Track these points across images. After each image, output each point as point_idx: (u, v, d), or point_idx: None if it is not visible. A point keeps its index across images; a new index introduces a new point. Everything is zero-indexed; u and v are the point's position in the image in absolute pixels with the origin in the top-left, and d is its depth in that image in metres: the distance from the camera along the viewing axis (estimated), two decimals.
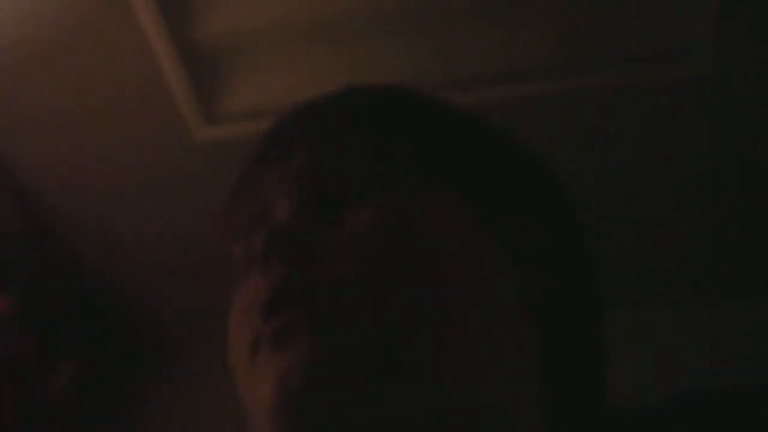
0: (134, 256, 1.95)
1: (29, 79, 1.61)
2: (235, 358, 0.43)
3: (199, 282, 1.81)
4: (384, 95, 0.48)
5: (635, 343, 1.83)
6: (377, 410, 0.38)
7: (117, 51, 1.55)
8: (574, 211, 0.47)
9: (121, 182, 1.78)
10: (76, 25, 1.51)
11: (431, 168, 0.44)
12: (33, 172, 1.78)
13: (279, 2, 1.51)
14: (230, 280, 0.47)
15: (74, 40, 1.53)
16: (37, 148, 1.74)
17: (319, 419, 0.37)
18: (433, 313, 0.39)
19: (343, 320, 0.39)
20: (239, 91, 1.64)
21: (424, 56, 1.55)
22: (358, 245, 0.41)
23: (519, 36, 1.53)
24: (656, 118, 1.62)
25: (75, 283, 2.01)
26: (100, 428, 2.04)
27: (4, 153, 1.74)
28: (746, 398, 1.73)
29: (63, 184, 1.80)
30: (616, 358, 0.48)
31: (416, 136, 0.45)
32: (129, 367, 2.16)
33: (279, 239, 0.41)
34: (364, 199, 0.42)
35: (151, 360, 2.18)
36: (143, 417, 2.12)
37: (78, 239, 1.93)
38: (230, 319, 0.44)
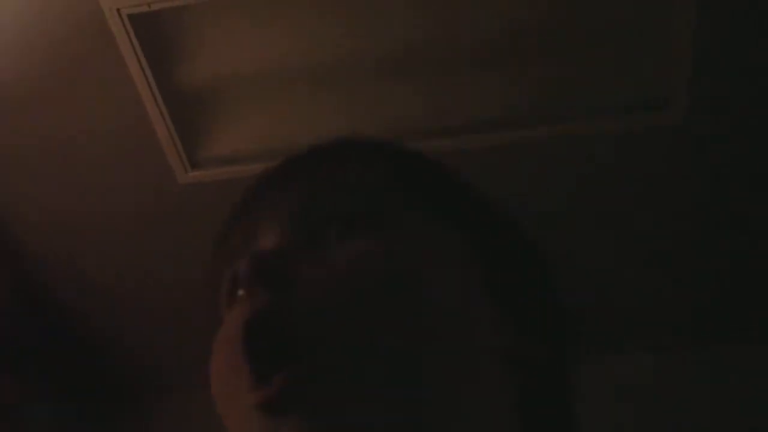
0: (115, 297, 1.94)
1: (12, 125, 1.61)
2: (218, 391, 0.43)
3: (180, 323, 1.80)
4: (377, 143, 0.50)
5: (615, 389, 1.83)
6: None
7: (102, 97, 1.56)
8: (547, 266, 0.48)
9: (104, 224, 1.78)
10: (63, 72, 1.52)
11: (431, 209, 0.45)
12: (15, 218, 1.78)
13: (262, 50, 1.53)
14: (218, 310, 0.47)
15: (60, 86, 1.54)
16: (19, 192, 1.73)
17: None
18: (413, 344, 0.39)
19: (330, 354, 0.38)
20: (222, 136, 1.65)
21: (407, 103, 1.57)
22: (346, 276, 0.40)
23: (501, 86, 1.55)
24: (634, 165, 1.64)
25: (53, 324, 1.99)
26: None
27: None
28: None
29: (45, 224, 1.80)
30: (595, 404, 0.50)
31: (413, 178, 0.47)
32: (109, 409, 2.13)
33: (264, 264, 0.40)
34: (356, 233, 0.42)
35: (132, 402, 2.15)
36: None
37: (58, 282, 1.92)
38: (214, 349, 0.44)
